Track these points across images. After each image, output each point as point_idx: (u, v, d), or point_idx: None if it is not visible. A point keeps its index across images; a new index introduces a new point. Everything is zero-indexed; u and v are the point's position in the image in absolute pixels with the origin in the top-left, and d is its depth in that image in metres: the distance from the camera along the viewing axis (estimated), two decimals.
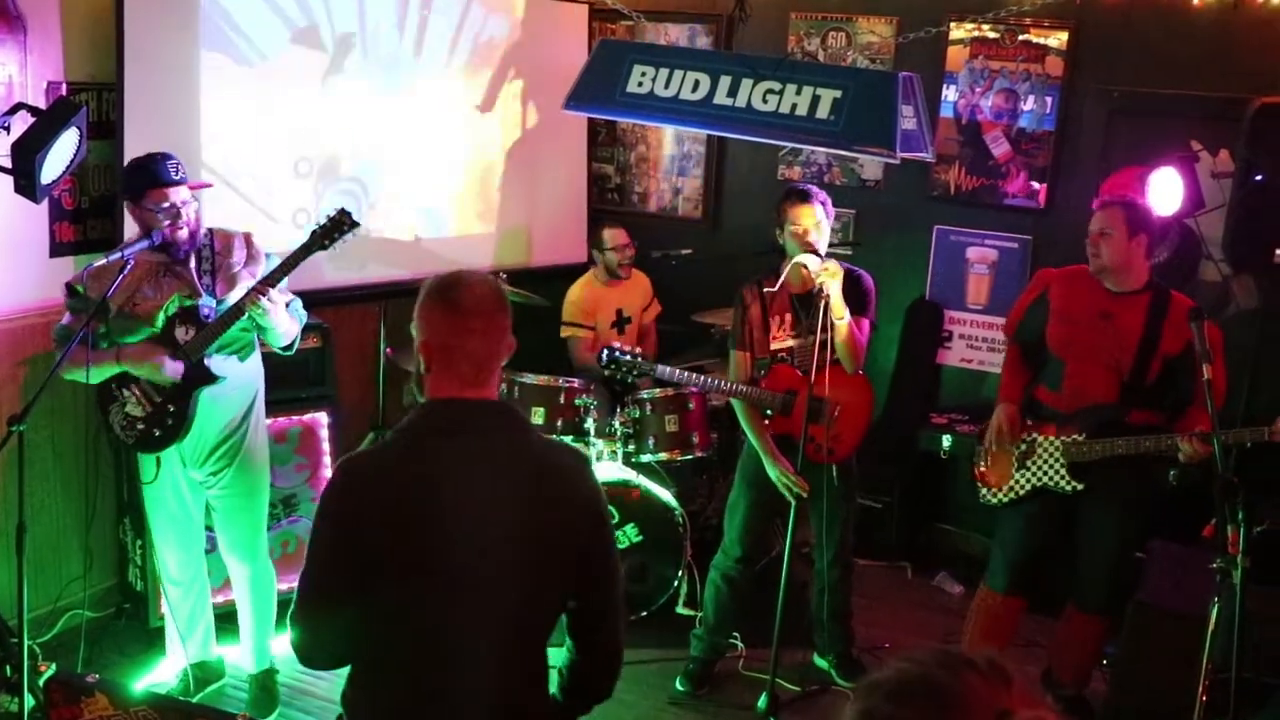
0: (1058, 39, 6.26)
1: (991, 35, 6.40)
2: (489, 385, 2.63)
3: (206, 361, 4.46)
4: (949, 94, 6.55)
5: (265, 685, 5.01)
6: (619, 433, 5.76)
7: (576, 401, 5.74)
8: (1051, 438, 4.71)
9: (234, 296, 4.46)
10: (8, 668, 4.33)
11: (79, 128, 4.20)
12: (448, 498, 2.51)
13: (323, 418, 5.66)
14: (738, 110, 4.47)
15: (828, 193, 4.94)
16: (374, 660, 2.64)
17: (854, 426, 5.02)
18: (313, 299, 5.02)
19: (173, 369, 4.41)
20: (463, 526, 2.51)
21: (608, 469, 5.65)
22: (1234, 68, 5.78)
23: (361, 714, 2.69)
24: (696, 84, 4.54)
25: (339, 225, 4.50)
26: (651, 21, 6.98)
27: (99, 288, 4.29)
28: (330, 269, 5.86)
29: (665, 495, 5.68)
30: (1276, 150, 5.04)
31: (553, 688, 2.82)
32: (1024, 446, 4.79)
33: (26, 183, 4.06)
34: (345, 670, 2.72)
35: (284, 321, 4.50)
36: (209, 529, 4.90)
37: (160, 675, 5.03)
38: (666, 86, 4.57)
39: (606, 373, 5.24)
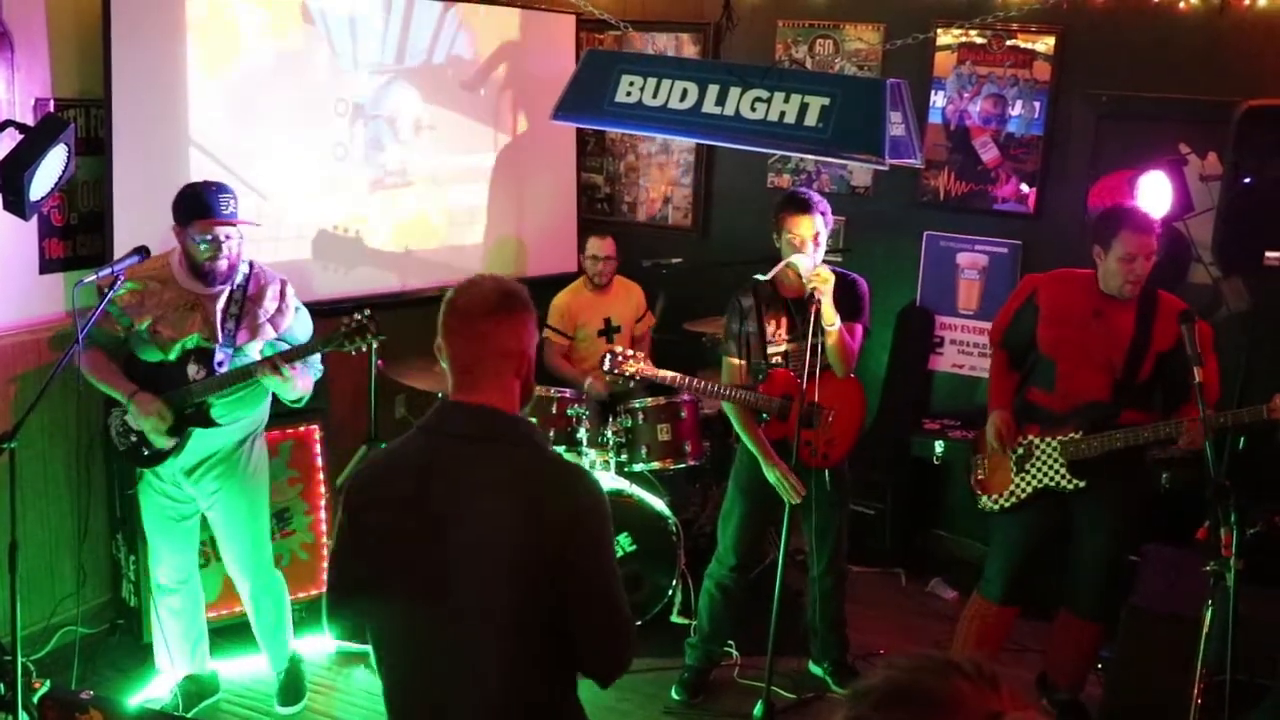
0: (1045, 44, 6.27)
1: (979, 41, 6.41)
2: (486, 389, 2.60)
3: (207, 408, 4.53)
4: (937, 100, 6.56)
5: (292, 675, 5.07)
6: (611, 442, 5.76)
7: (569, 411, 5.75)
8: (1048, 439, 4.71)
9: (252, 348, 4.55)
10: (2, 685, 4.31)
11: (67, 144, 4.20)
12: (427, 499, 2.54)
13: (315, 431, 5.65)
14: (726, 119, 4.47)
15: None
16: (378, 652, 2.72)
17: (846, 430, 5.03)
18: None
19: (166, 441, 4.51)
20: (437, 530, 2.52)
21: (601, 479, 5.64)
22: (1221, 71, 5.79)
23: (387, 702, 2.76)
24: (685, 93, 4.54)
25: (364, 331, 4.51)
26: (639, 31, 6.99)
27: (132, 310, 4.44)
28: (321, 281, 5.85)
29: (658, 504, 5.68)
30: (1264, 153, 5.05)
31: None
32: (1021, 450, 4.79)
33: (15, 199, 4.06)
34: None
35: (293, 389, 4.55)
36: (205, 543, 4.92)
37: (154, 691, 5.02)
38: (655, 96, 4.57)
39: (608, 378, 5.24)
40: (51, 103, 5.03)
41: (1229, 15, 5.80)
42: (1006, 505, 4.85)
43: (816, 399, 4.67)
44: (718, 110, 4.49)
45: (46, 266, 5.14)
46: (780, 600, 4.79)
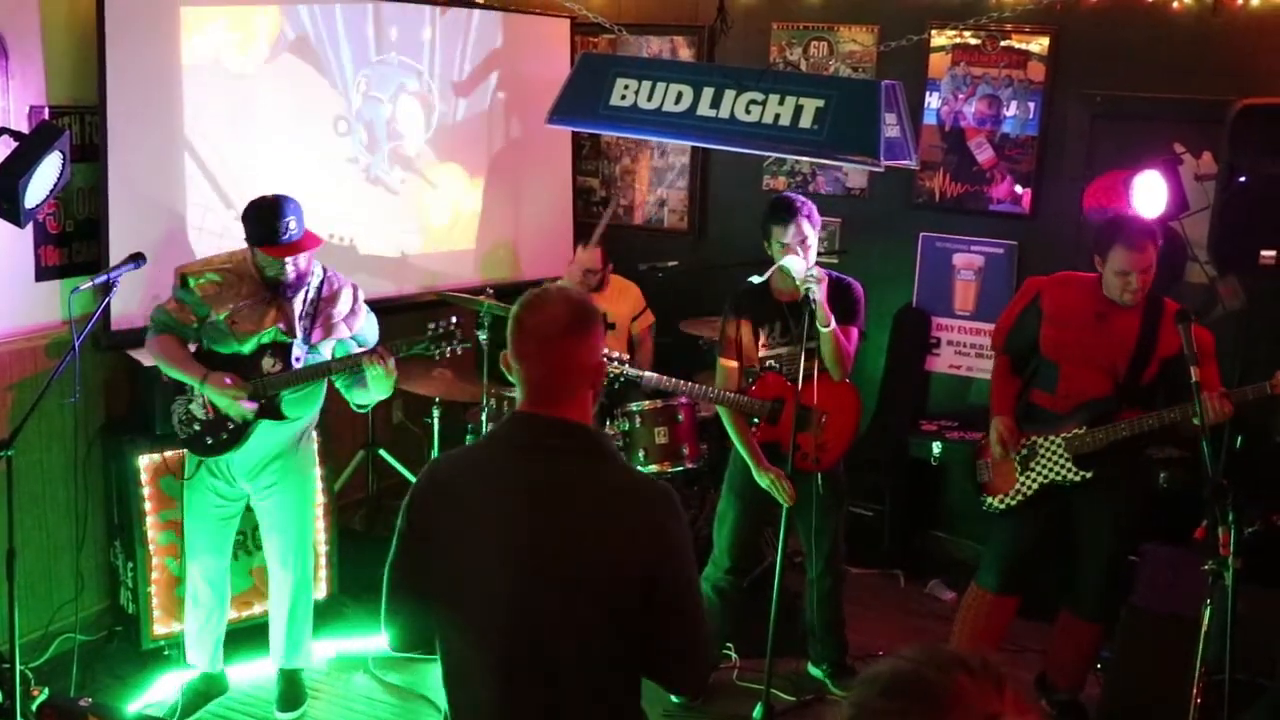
0: (1039, 44, 6.28)
1: (973, 42, 6.42)
2: (563, 404, 2.59)
3: (279, 400, 4.61)
4: (932, 101, 6.57)
5: (293, 681, 5.07)
6: None
7: None
8: (1051, 438, 4.71)
9: (325, 346, 4.65)
10: (0, 693, 4.31)
11: (62, 151, 4.21)
12: (501, 511, 2.54)
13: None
14: (721, 121, 4.47)
15: (813, 202, 4.93)
16: (441, 658, 2.70)
17: (840, 434, 5.03)
18: None
19: (248, 409, 4.53)
20: (510, 540, 2.51)
21: None
22: (1215, 70, 5.80)
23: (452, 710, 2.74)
24: (679, 96, 4.54)
25: (450, 337, 4.65)
26: (633, 34, 6.99)
27: (211, 298, 4.52)
28: None
29: None
30: (1259, 151, 5.05)
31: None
32: (1024, 452, 4.80)
33: (10, 207, 4.06)
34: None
35: (392, 386, 4.62)
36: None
37: (153, 697, 5.02)
38: (649, 99, 4.58)
39: None
40: (46, 110, 5.02)
41: (1222, 14, 5.81)
42: (1013, 504, 4.85)
43: (809, 402, 4.67)
44: (712, 113, 4.49)
45: (42, 274, 5.14)
46: (779, 602, 4.80)
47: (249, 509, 4.92)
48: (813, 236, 4.82)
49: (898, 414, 6.77)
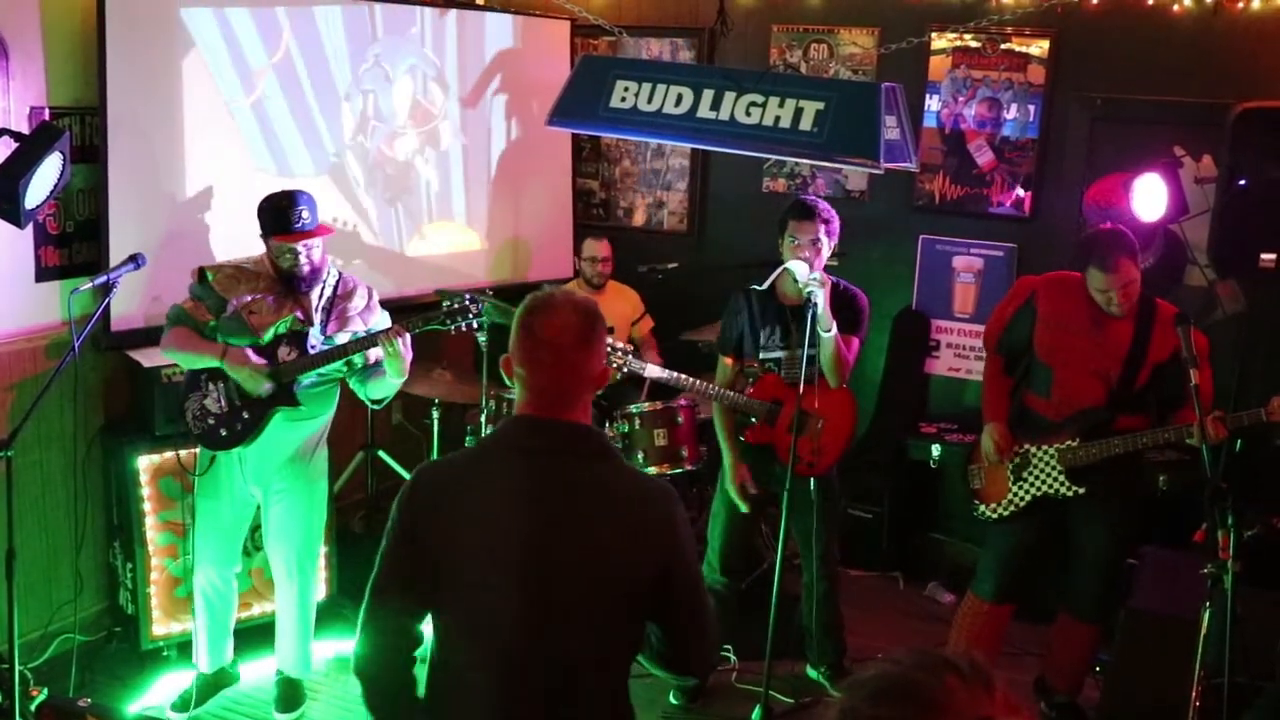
0: (1039, 47, 6.28)
1: (973, 45, 6.42)
2: (570, 409, 2.58)
3: (296, 386, 4.62)
4: (932, 104, 6.57)
5: (293, 684, 5.07)
6: None
7: None
8: (1045, 447, 4.71)
9: (340, 338, 4.67)
10: None
11: (62, 152, 4.21)
12: (511, 515, 2.52)
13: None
14: (721, 123, 4.47)
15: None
16: (438, 670, 2.65)
17: (835, 440, 5.02)
18: None
19: (268, 387, 4.56)
20: (521, 544, 2.50)
21: None
22: (1215, 73, 5.80)
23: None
24: (679, 98, 4.54)
25: (465, 312, 4.69)
26: (633, 36, 7.00)
27: (227, 287, 4.57)
28: None
29: None
30: (1259, 154, 5.05)
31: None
32: (1018, 460, 4.80)
33: (10, 208, 4.06)
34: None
35: (405, 369, 4.62)
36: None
37: (152, 698, 5.02)
38: (649, 101, 4.57)
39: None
40: (47, 111, 5.02)
41: (1223, 17, 5.82)
42: (1005, 514, 4.85)
43: (807, 406, 4.66)
44: (712, 115, 4.49)
45: (42, 274, 5.13)
46: (778, 605, 4.79)
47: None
48: (825, 243, 4.83)
49: (897, 416, 6.77)
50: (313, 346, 4.60)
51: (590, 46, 7.31)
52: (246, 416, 4.62)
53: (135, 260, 4.44)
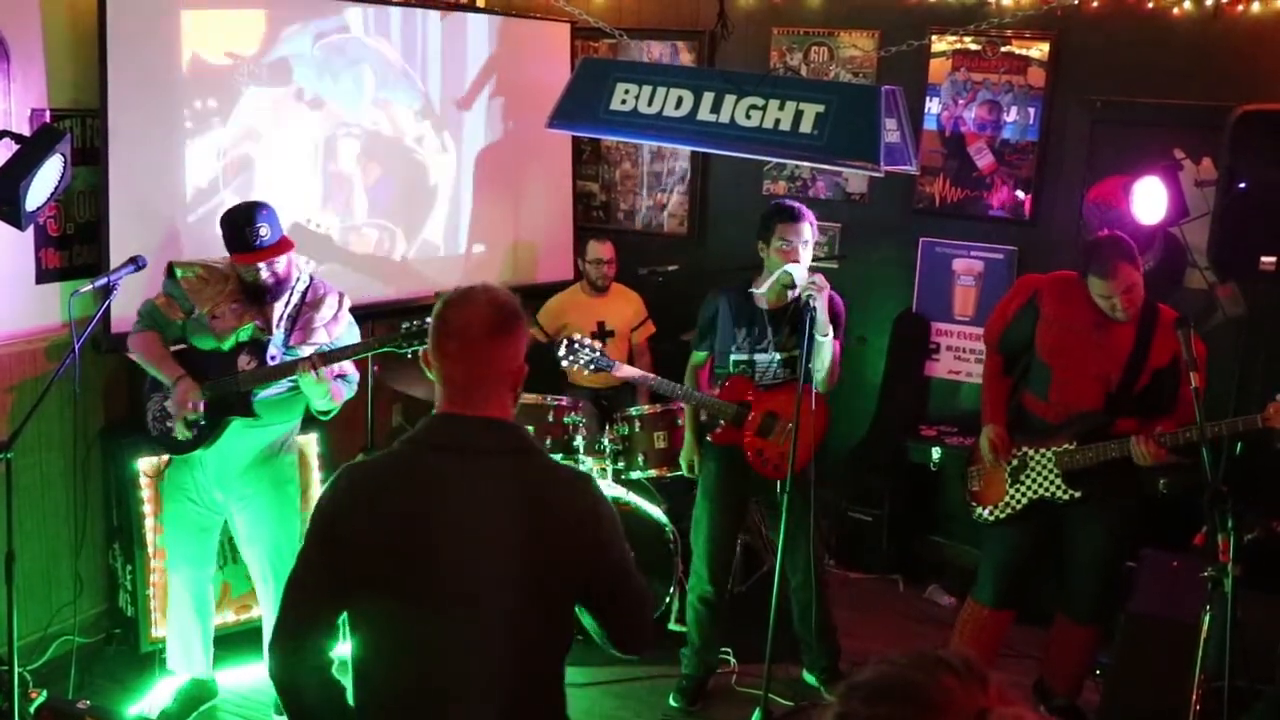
0: (1039, 50, 6.28)
1: (973, 47, 6.42)
2: (484, 404, 2.56)
3: (253, 396, 4.60)
4: (932, 106, 6.57)
5: None
6: (608, 450, 5.76)
7: (565, 419, 5.75)
8: (1043, 450, 4.71)
9: (304, 350, 4.64)
10: None
11: (63, 154, 4.21)
12: (432, 513, 2.50)
13: (313, 440, 5.65)
14: (721, 126, 4.46)
15: (812, 207, 4.96)
16: (364, 675, 2.59)
17: (804, 444, 4.90)
18: None
19: (184, 435, 4.58)
20: (444, 542, 2.49)
21: None
22: (1215, 76, 5.81)
23: None
24: (680, 101, 4.54)
25: (425, 334, 4.51)
26: (634, 39, 6.99)
27: (194, 289, 4.57)
28: None
29: (655, 512, 5.68)
30: (1259, 158, 5.05)
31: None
32: (1015, 462, 4.80)
33: (11, 210, 4.06)
34: None
35: (322, 395, 4.61)
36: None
37: (151, 700, 5.01)
38: (650, 104, 4.57)
39: (565, 362, 5.23)
40: (48, 113, 5.03)
41: (1223, 20, 5.82)
42: (1001, 516, 4.85)
43: (775, 409, 4.67)
44: (713, 118, 4.48)
45: (43, 276, 5.14)
46: (777, 608, 4.79)
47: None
48: (811, 243, 4.85)
49: (897, 419, 6.77)
50: (273, 357, 4.58)
51: (590, 49, 7.31)
52: (203, 423, 4.61)
53: (136, 262, 4.44)
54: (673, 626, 5.68)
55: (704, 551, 5.19)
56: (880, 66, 6.63)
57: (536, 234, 7.28)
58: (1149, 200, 5.42)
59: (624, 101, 4.63)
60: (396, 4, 6.32)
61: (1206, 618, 3.65)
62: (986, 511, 4.90)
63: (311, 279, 4.78)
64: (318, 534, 2.58)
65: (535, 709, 2.64)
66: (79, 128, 5.14)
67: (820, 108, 4.33)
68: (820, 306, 4.66)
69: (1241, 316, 5.72)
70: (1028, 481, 4.76)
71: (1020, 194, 6.46)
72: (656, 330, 6.80)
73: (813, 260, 4.92)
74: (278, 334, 4.61)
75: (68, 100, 5.12)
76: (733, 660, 5.48)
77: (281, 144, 5.83)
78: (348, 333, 4.81)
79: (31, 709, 4.29)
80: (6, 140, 4.18)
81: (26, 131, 4.64)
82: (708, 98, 4.50)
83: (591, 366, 5.19)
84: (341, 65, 6.05)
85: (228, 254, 4.59)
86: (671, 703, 5.23)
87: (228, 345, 4.56)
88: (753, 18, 6.88)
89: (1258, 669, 4.09)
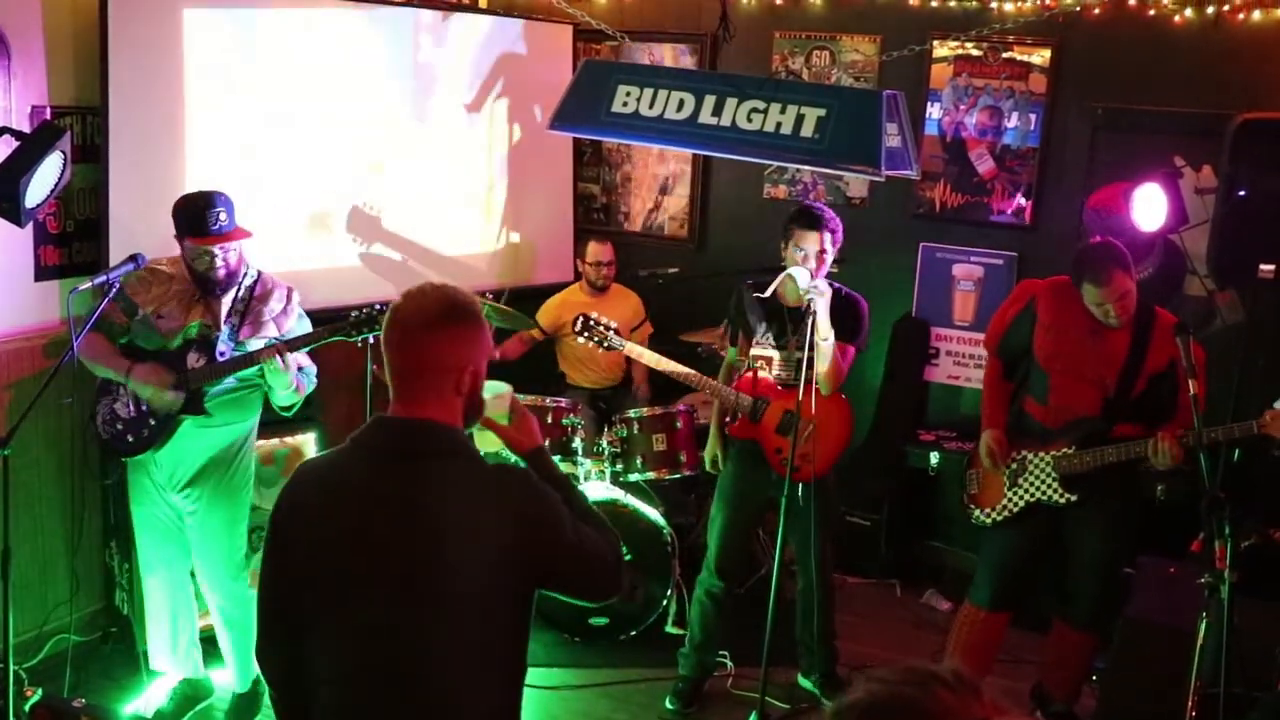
0: (1041, 56, 6.29)
1: (975, 53, 6.43)
2: (424, 403, 2.52)
3: (204, 394, 4.55)
4: (933, 111, 6.57)
5: (249, 698, 5.02)
6: (607, 452, 5.76)
7: (564, 421, 5.75)
8: (1041, 454, 4.72)
9: (254, 344, 4.59)
10: None
11: (63, 152, 4.21)
12: (358, 523, 2.47)
13: (310, 439, 5.65)
14: (723, 129, 4.47)
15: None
16: (317, 676, 2.57)
17: (827, 447, 4.97)
18: None
19: (173, 398, 4.49)
20: (370, 554, 2.45)
21: (596, 488, 5.66)
22: (1215, 84, 5.81)
23: None
24: (681, 103, 4.55)
25: (373, 321, 4.55)
26: (636, 41, 7.00)
27: (137, 290, 4.53)
28: (317, 290, 5.84)
29: (653, 514, 5.68)
30: (1259, 165, 5.06)
31: None
32: (1014, 466, 4.80)
33: (10, 207, 4.06)
34: None
35: (286, 386, 4.57)
36: None
37: (147, 700, 5.00)
38: (651, 106, 4.58)
39: (581, 338, 5.24)
40: (48, 110, 5.03)
41: (1224, 28, 5.82)
42: (999, 519, 4.86)
43: (799, 409, 4.65)
44: (714, 121, 4.49)
45: (42, 274, 5.14)
46: (775, 611, 4.79)
47: None
48: (830, 252, 4.83)
49: (896, 424, 6.77)
50: (221, 353, 4.53)
51: (592, 51, 7.31)
52: (153, 423, 4.58)
53: (135, 260, 4.42)
54: (669, 629, 5.69)
55: (714, 548, 5.19)
56: (882, 71, 6.63)
57: (537, 235, 7.28)
58: (1149, 207, 5.41)
59: (625, 104, 4.64)
60: (398, 4, 6.33)
61: (1203, 624, 3.65)
62: (984, 514, 4.91)
63: (259, 273, 4.72)
64: (268, 534, 2.59)
65: (486, 713, 2.59)
66: (79, 125, 5.14)
67: (821, 112, 4.34)
68: (821, 310, 4.66)
69: (1240, 323, 5.72)
70: (1025, 485, 4.76)
71: (1021, 200, 6.46)
72: (655, 331, 6.80)
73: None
74: (225, 329, 4.55)
75: (68, 97, 5.12)
76: (729, 663, 5.48)
77: (281, 143, 5.83)
78: (298, 325, 4.76)
79: (26, 707, 4.27)
80: (6, 137, 4.18)
81: (27, 128, 4.64)
82: (709, 101, 4.51)
83: (606, 345, 5.19)
84: (342, 66, 6.04)
85: (179, 239, 4.52)
86: (668, 705, 5.23)
87: (175, 344, 4.52)
88: (754, 21, 6.88)
89: (1254, 675, 4.09)
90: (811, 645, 5.30)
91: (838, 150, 4.31)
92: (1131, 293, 4.52)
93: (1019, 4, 6.19)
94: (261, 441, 5.08)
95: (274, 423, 5.02)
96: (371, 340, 4.65)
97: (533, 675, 3.33)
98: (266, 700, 5.03)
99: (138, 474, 4.74)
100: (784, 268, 4.83)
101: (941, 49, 6.48)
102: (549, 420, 5.73)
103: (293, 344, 4.56)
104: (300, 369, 4.66)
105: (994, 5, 6.27)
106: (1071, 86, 6.27)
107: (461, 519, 2.46)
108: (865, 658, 5.54)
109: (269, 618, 2.62)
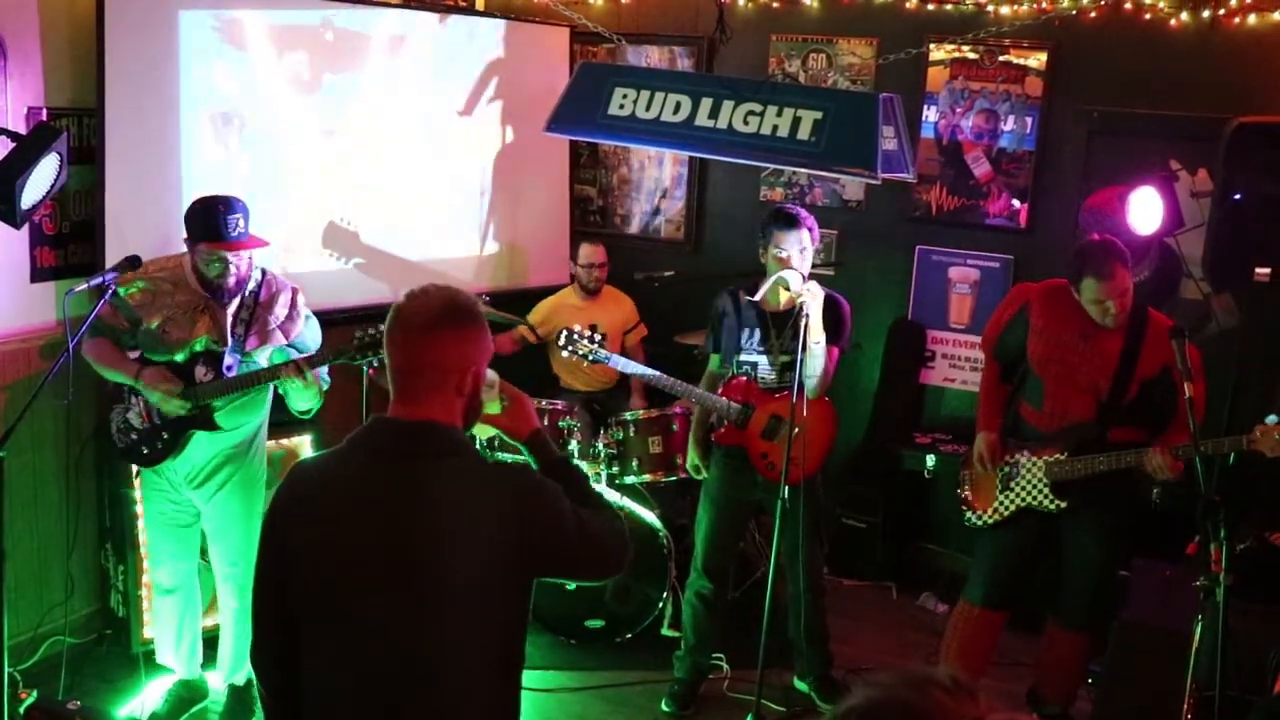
0: (1037, 60, 6.29)
1: (971, 56, 6.43)
2: (425, 404, 2.53)
3: (212, 409, 4.55)
4: (929, 114, 6.57)
5: (241, 697, 5.00)
6: (603, 454, 5.76)
7: (560, 424, 5.75)
8: (1034, 458, 4.72)
9: (261, 354, 4.58)
10: None
11: (59, 153, 4.20)
12: (354, 519, 2.47)
13: (306, 440, 5.64)
14: (719, 132, 4.48)
15: (810, 213, 4.95)
16: (314, 676, 2.57)
17: (813, 450, 4.94)
18: None
19: (180, 403, 4.48)
20: (365, 551, 2.45)
21: None
22: (1212, 88, 5.81)
23: None
24: (678, 106, 4.55)
25: (376, 346, 4.44)
26: (633, 44, 7.00)
27: (141, 304, 4.47)
28: (314, 292, 5.84)
29: (649, 517, 5.68)
30: (1255, 169, 5.06)
31: None
32: (1007, 469, 4.81)
33: (6, 208, 4.05)
34: None
35: (314, 397, 4.57)
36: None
37: (143, 702, 5.00)
38: (648, 109, 4.58)
39: (565, 352, 5.24)
40: (44, 111, 5.02)
41: (1220, 32, 5.83)
42: (990, 521, 4.87)
43: (793, 414, 4.65)
44: (710, 123, 4.49)
45: (37, 275, 5.13)
46: (770, 614, 4.79)
47: None
48: (810, 249, 4.84)
49: (892, 426, 6.77)
50: (228, 368, 4.50)
51: (589, 54, 7.31)
52: (166, 436, 4.57)
53: (131, 262, 4.42)
54: (665, 632, 5.69)
55: (702, 548, 5.20)
56: (878, 74, 6.63)
57: (532, 237, 7.27)
58: (1145, 210, 5.41)
59: (622, 106, 4.64)
60: (396, 6, 6.32)
61: (1199, 627, 3.66)
62: (976, 516, 4.92)
63: (264, 274, 4.67)
64: (264, 535, 2.60)
65: (484, 711, 2.59)
66: (76, 126, 5.14)
67: (818, 114, 4.34)
68: (814, 313, 4.66)
69: (1236, 327, 5.72)
70: (1016, 489, 4.77)
71: (1016, 203, 6.46)
72: (650, 333, 6.80)
73: (811, 267, 4.91)
74: (231, 341, 4.52)
75: (65, 99, 5.11)
76: (725, 666, 5.48)
77: (279, 145, 5.83)
78: (307, 329, 4.75)
79: (21, 709, 4.28)
80: (2, 138, 4.18)
81: (23, 130, 4.64)
82: (706, 103, 4.52)
83: (590, 358, 5.19)
84: (339, 67, 6.04)
85: (190, 243, 4.45)
86: (664, 707, 5.23)
87: (181, 357, 4.49)
88: (751, 24, 6.88)
89: (1249, 679, 4.10)
90: (804, 648, 5.30)
91: (834, 153, 4.31)
92: (1130, 291, 4.54)
93: (1015, 7, 6.20)
94: None
95: (271, 425, 5.01)
96: (376, 364, 4.56)
97: (529, 678, 3.33)
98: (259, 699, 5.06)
99: (147, 471, 4.73)
100: (763, 270, 4.84)
101: (938, 52, 6.49)
102: (545, 423, 5.71)
103: (313, 359, 4.50)
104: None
105: (990, 8, 6.27)
106: (1067, 90, 6.27)
107: (462, 518, 2.46)
108: (861, 660, 5.55)
109: (264, 619, 2.62)
